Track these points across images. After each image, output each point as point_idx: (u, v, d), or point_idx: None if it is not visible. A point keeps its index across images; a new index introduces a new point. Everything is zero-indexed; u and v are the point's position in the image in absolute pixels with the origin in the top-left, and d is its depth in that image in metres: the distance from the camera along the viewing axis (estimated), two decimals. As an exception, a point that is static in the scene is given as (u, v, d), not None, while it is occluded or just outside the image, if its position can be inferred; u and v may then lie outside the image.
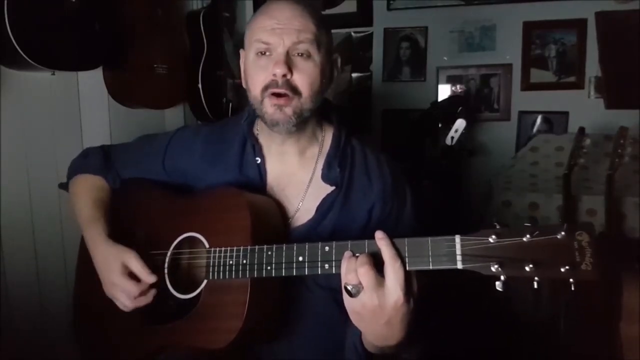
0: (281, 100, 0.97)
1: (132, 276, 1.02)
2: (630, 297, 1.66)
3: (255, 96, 1.01)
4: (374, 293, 0.77)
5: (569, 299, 1.90)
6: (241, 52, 1.08)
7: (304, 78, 0.98)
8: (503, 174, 2.62)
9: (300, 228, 1.06)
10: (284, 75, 0.96)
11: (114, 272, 1.02)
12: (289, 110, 0.98)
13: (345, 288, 0.80)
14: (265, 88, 0.98)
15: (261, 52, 0.99)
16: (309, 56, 0.99)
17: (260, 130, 1.12)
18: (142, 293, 1.01)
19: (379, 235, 0.80)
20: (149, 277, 1.00)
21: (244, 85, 1.08)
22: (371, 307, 0.78)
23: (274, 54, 0.98)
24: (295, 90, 0.98)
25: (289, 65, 0.97)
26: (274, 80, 0.97)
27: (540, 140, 2.68)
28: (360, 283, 0.78)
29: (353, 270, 0.79)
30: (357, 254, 0.81)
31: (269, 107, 0.99)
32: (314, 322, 1.06)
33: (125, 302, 1.02)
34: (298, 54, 0.98)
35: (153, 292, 1.02)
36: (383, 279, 0.78)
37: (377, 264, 0.79)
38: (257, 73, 0.99)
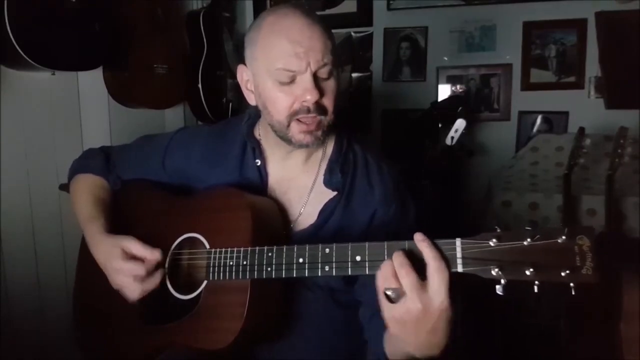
0: (312, 126, 0.96)
1: (136, 260, 1.01)
2: (630, 298, 1.65)
3: (279, 121, 0.98)
4: (417, 295, 0.73)
5: (569, 300, 1.90)
6: (243, 68, 1.04)
7: (331, 98, 0.97)
8: (503, 174, 2.61)
9: (303, 232, 1.06)
10: (316, 101, 0.94)
11: (115, 259, 1.01)
12: (318, 133, 0.98)
13: (385, 294, 0.77)
14: (294, 113, 0.96)
15: (286, 81, 0.95)
16: (331, 74, 0.97)
17: (265, 135, 1.10)
18: (149, 274, 0.99)
19: (419, 237, 0.77)
20: (152, 254, 0.99)
21: (253, 103, 1.05)
22: (415, 311, 0.74)
23: (300, 80, 0.94)
24: (323, 111, 0.97)
25: (318, 88, 0.94)
26: (305, 106, 0.95)
27: (540, 140, 2.67)
28: (400, 287, 0.75)
29: (392, 275, 0.76)
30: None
31: (296, 132, 0.97)
32: (314, 322, 1.06)
33: (131, 287, 0.99)
34: (323, 76, 0.96)
35: (160, 273, 1.00)
36: (424, 281, 0.75)
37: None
38: (282, 99, 0.96)
